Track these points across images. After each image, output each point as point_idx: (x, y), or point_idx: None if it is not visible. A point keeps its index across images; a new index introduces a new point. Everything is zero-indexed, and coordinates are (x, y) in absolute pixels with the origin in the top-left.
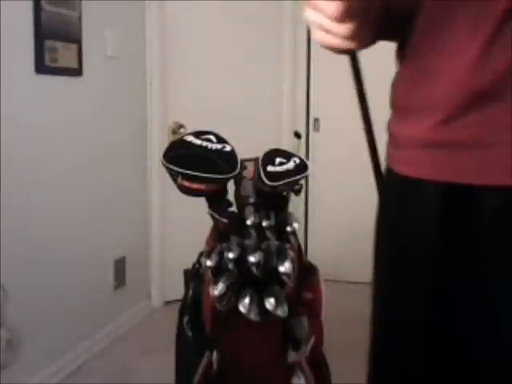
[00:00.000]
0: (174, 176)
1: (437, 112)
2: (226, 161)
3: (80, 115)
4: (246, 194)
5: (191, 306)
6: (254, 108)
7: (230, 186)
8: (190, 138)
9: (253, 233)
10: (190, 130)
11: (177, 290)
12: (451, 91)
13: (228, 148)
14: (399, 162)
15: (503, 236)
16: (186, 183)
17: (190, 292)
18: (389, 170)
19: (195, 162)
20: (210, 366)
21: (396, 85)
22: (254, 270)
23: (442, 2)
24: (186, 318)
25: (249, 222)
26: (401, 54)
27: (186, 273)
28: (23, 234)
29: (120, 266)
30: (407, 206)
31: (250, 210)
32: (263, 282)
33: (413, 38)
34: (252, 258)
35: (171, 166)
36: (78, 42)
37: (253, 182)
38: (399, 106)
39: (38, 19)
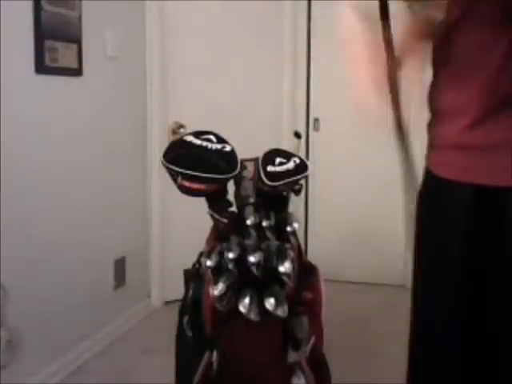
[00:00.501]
0: (173, 176)
1: (465, 116)
2: (226, 161)
3: (80, 115)
4: (246, 194)
5: (191, 306)
6: (254, 108)
7: (230, 186)
8: (190, 138)
9: (253, 233)
10: (189, 130)
11: (177, 290)
12: (478, 96)
13: (228, 148)
14: (436, 163)
15: None
16: (186, 183)
17: (190, 292)
18: (427, 171)
19: (195, 162)
20: (210, 366)
21: (431, 91)
22: (254, 270)
23: (467, 18)
24: (186, 318)
25: (249, 222)
26: (435, 62)
27: (186, 273)
28: (23, 234)
29: (120, 266)
30: (444, 208)
31: (249, 209)
32: (263, 281)
33: (442, 48)
34: (252, 258)
35: (171, 166)
36: (78, 42)
37: (253, 181)
38: (434, 110)
39: (38, 19)
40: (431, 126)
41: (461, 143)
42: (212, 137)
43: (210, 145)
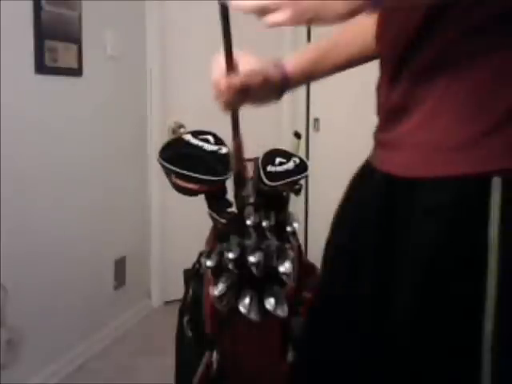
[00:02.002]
0: (168, 174)
1: (380, 119)
2: (221, 163)
3: (80, 115)
4: (246, 194)
5: (191, 306)
6: (253, 108)
7: (231, 187)
8: (188, 138)
9: (253, 233)
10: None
11: (177, 290)
12: (382, 106)
13: (224, 150)
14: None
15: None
16: (179, 182)
17: (190, 292)
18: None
19: (189, 161)
20: (210, 366)
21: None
22: (254, 270)
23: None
24: (186, 318)
25: (249, 222)
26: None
27: (186, 273)
28: (23, 234)
29: (120, 266)
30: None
31: (249, 210)
32: (263, 281)
33: None
34: (252, 258)
35: (165, 164)
36: (78, 42)
37: (253, 181)
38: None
39: (38, 19)
40: None
41: (376, 140)
42: (210, 137)
43: (206, 145)
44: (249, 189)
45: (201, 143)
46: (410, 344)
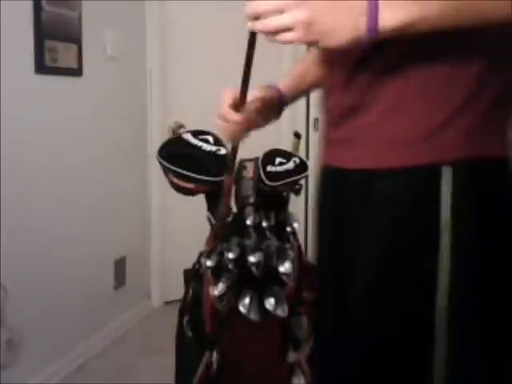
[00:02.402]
0: (165, 172)
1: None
2: (219, 163)
3: (80, 115)
4: (246, 194)
5: (191, 306)
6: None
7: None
8: (188, 137)
9: (253, 233)
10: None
11: (177, 290)
12: (333, 109)
13: (223, 151)
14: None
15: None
16: (176, 180)
17: (190, 292)
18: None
19: (187, 160)
20: (210, 366)
21: None
22: (254, 269)
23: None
24: (186, 318)
25: (249, 222)
26: None
27: (186, 273)
28: (23, 234)
29: (120, 266)
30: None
31: (249, 210)
32: (263, 281)
33: None
34: (252, 258)
35: (163, 162)
36: (78, 42)
37: (253, 181)
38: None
39: (38, 19)
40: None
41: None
42: (210, 138)
43: (205, 145)
44: (249, 189)
45: (200, 143)
46: (370, 314)
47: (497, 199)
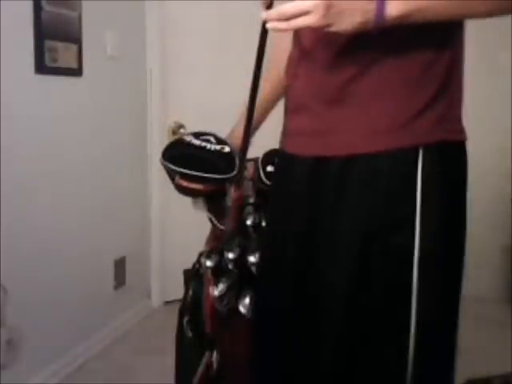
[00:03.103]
0: (171, 175)
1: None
2: (225, 161)
3: (80, 115)
4: (246, 194)
5: (191, 306)
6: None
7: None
8: (190, 138)
9: (253, 233)
10: (189, 130)
11: (177, 290)
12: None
13: (227, 149)
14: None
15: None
16: (184, 183)
17: (190, 292)
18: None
19: (194, 161)
20: (210, 366)
21: None
22: (254, 270)
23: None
24: (186, 318)
25: (249, 222)
26: None
27: (186, 273)
28: (23, 234)
29: (120, 266)
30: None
31: (249, 209)
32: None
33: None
34: (252, 258)
35: (170, 165)
36: (78, 42)
37: (252, 181)
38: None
39: (38, 19)
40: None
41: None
42: (211, 138)
43: (208, 145)
44: (249, 189)
45: (203, 143)
46: (353, 292)
47: (460, 179)
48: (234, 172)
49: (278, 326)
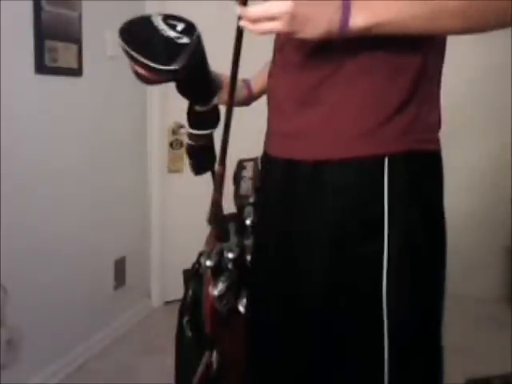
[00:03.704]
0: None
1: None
2: (171, 52)
3: (80, 115)
4: (246, 194)
5: (191, 306)
6: (253, 107)
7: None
8: (156, 19)
9: (252, 233)
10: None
11: (177, 290)
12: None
13: (184, 40)
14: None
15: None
16: (133, 65)
17: (190, 292)
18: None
19: (144, 43)
20: (210, 366)
21: None
22: None
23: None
24: (185, 318)
25: (248, 222)
26: None
27: (186, 273)
28: (23, 234)
29: (120, 266)
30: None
31: (249, 209)
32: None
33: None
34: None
35: (121, 41)
36: (78, 42)
37: (252, 181)
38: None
39: (38, 19)
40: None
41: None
42: (180, 24)
43: (167, 31)
44: (248, 189)
45: (164, 27)
46: (324, 296)
47: (430, 189)
48: (174, 66)
49: (264, 326)
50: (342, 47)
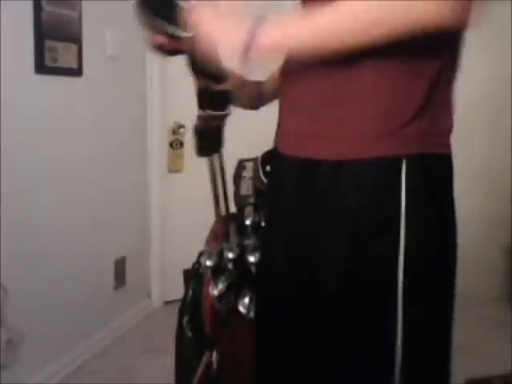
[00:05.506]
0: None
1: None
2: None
3: (80, 115)
4: (246, 194)
5: (191, 305)
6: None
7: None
8: None
9: (252, 233)
10: (190, 130)
11: (177, 290)
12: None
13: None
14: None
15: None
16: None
17: (190, 292)
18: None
19: (164, 11)
20: (210, 366)
21: None
22: (254, 270)
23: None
24: (185, 318)
25: (248, 222)
26: None
27: (186, 273)
28: (23, 234)
29: (120, 266)
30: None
31: (249, 209)
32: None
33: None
34: (252, 258)
35: (137, 9)
36: (78, 42)
37: (252, 181)
38: None
39: (38, 19)
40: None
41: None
42: None
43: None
44: (248, 189)
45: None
46: (340, 294)
47: (443, 190)
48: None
49: (276, 323)
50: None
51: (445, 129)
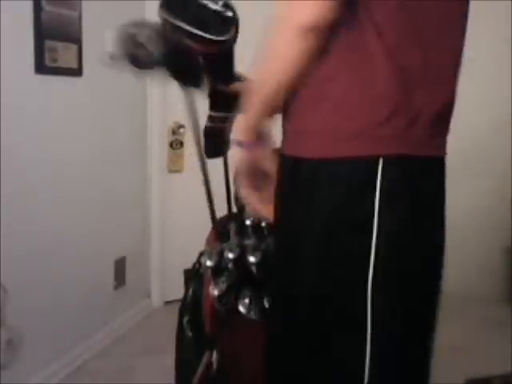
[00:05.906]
0: (166, 28)
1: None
2: (222, 25)
3: (80, 115)
4: None
5: (191, 305)
6: None
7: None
8: None
9: (252, 233)
10: (189, 130)
11: (177, 290)
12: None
13: (229, 14)
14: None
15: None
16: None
17: (190, 292)
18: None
19: (191, 16)
20: (210, 366)
21: None
22: (254, 270)
23: None
24: (185, 318)
25: (248, 222)
26: None
27: (186, 272)
28: (23, 234)
29: (120, 266)
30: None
31: (249, 210)
32: (263, 281)
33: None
34: (252, 258)
35: (164, 14)
36: (78, 42)
37: None
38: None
39: (38, 19)
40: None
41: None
42: (220, 1)
43: (211, 4)
44: None
45: (207, 1)
46: (314, 291)
47: (423, 192)
48: (226, 36)
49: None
50: (340, 45)
51: (429, 130)
